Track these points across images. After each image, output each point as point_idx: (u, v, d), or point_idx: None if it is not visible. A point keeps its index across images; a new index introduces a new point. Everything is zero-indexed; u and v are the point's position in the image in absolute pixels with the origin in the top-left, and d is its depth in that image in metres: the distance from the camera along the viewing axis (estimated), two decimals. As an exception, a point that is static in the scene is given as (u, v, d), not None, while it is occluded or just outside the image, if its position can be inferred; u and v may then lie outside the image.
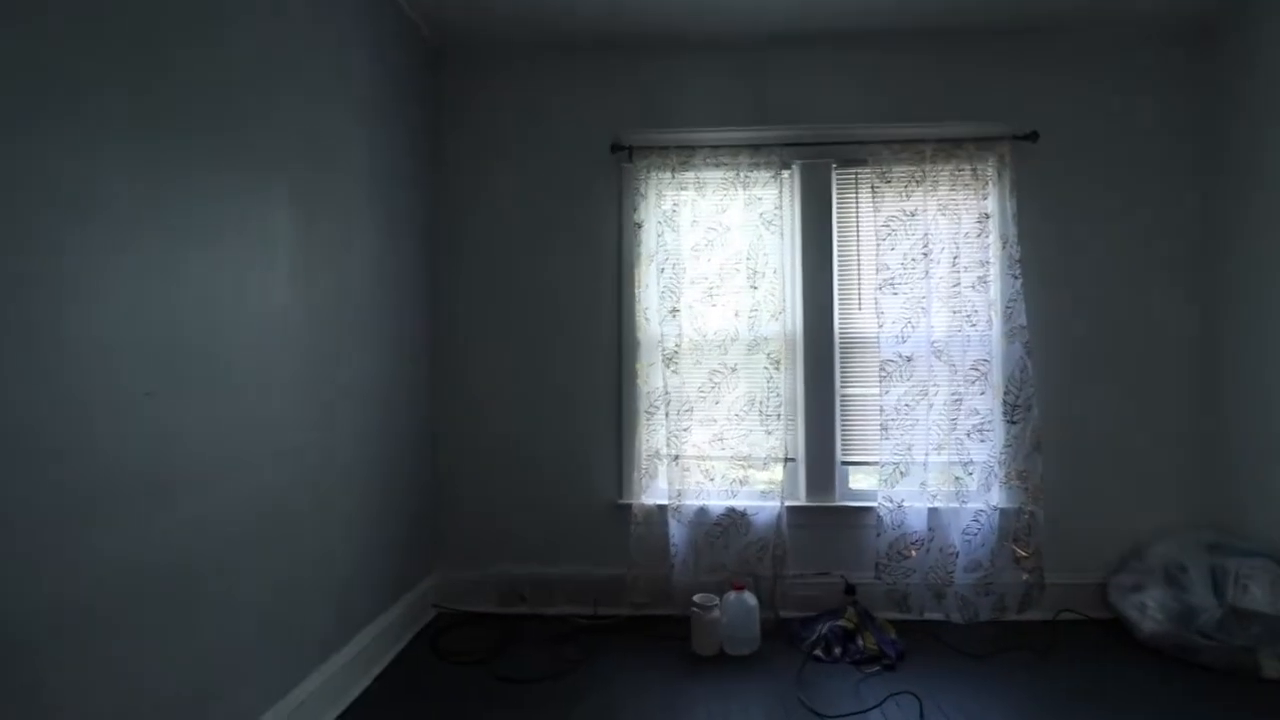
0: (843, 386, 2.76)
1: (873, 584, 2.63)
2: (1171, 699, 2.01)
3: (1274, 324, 2.42)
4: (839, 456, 2.76)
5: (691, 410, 2.67)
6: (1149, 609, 2.30)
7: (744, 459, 2.67)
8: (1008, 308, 2.58)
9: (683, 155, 2.69)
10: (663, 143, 2.72)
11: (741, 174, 2.68)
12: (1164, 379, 2.68)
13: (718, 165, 2.69)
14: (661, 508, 2.65)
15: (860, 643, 2.37)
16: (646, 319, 2.72)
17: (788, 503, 2.67)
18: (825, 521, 2.73)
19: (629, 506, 2.69)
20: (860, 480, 2.79)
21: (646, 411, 2.68)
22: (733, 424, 2.68)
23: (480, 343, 2.82)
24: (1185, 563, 2.31)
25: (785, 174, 2.74)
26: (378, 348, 2.31)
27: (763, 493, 2.67)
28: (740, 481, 2.67)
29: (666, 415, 2.64)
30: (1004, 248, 2.60)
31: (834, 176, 2.75)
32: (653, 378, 2.70)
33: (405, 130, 2.53)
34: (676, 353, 2.65)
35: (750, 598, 2.42)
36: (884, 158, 2.64)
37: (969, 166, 2.62)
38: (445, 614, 2.71)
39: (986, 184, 2.63)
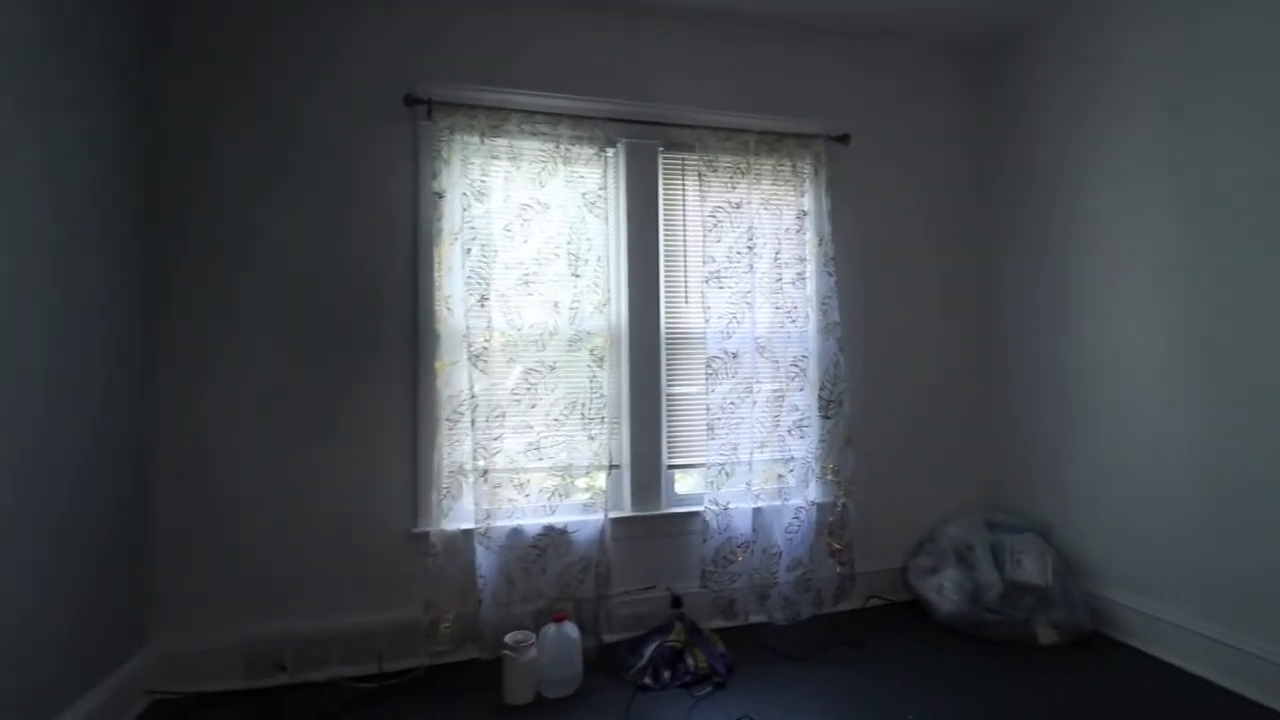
0: (669, 385, 2.59)
1: (699, 593, 2.49)
2: (973, 675, 2.12)
3: (1029, 328, 2.75)
4: (665, 460, 2.58)
5: (504, 416, 2.30)
6: (946, 590, 2.45)
7: (564, 469, 2.36)
8: (823, 304, 2.61)
9: (494, 118, 2.31)
10: (470, 101, 2.31)
11: (562, 147, 2.37)
12: (951, 377, 2.92)
13: (535, 134, 2.35)
14: (466, 533, 2.23)
15: (690, 662, 2.19)
16: (449, 309, 2.29)
17: (612, 514, 2.42)
18: (651, 531, 2.53)
19: (426, 535, 2.22)
20: (685, 484, 2.64)
21: (449, 419, 2.25)
22: (552, 430, 2.36)
23: (222, 340, 2.14)
24: (972, 542, 2.50)
25: (610, 152, 2.50)
26: (41, 355, 1.59)
27: (584, 506, 2.38)
28: (560, 494, 2.35)
29: (473, 423, 2.23)
30: (820, 245, 2.62)
31: (660, 160, 2.57)
32: (457, 379, 2.27)
33: (100, 65, 1.81)
34: (486, 349, 2.26)
35: (571, 629, 2.11)
36: (710, 145, 2.52)
37: (789, 162, 2.61)
38: (166, 700, 2.00)
39: (805, 181, 2.64)
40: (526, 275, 2.35)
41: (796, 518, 2.56)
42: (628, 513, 2.51)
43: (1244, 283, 1.97)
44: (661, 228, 2.57)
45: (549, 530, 2.31)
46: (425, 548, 2.21)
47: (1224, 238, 2.02)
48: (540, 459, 2.34)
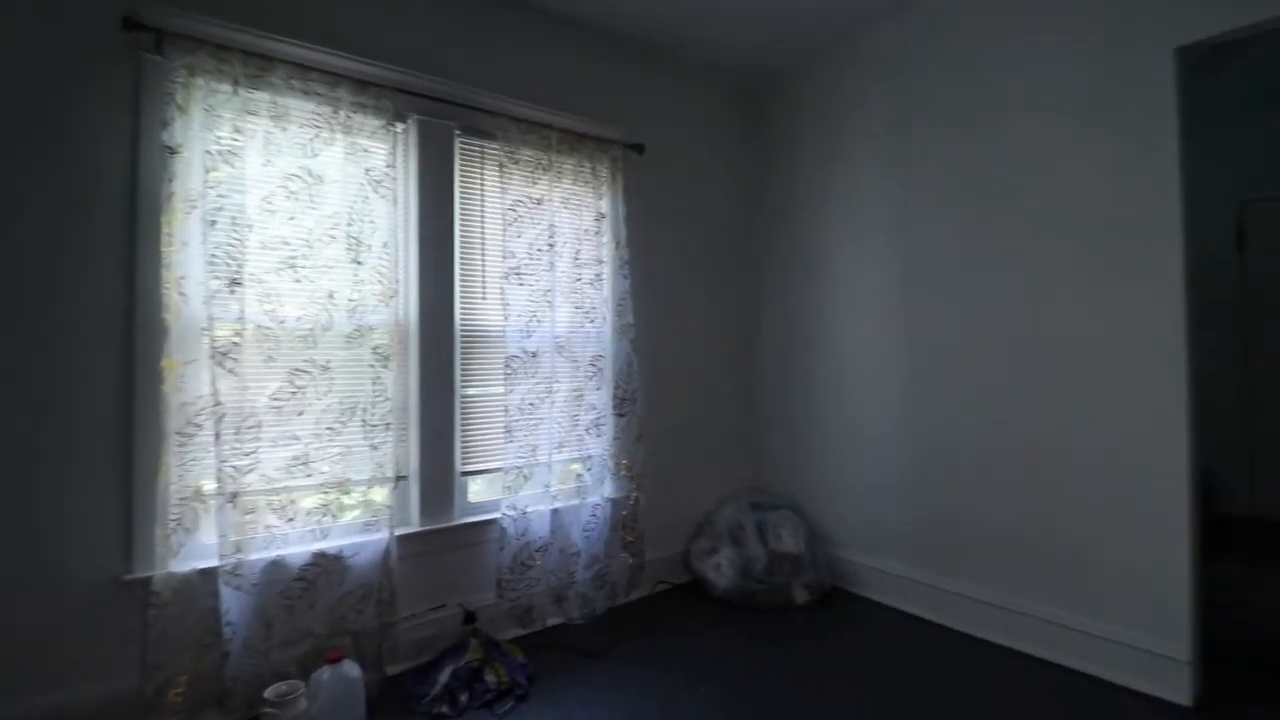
0: (464, 386, 2.42)
1: (495, 604, 2.38)
2: (744, 643, 2.37)
3: (784, 333, 3.19)
4: (459, 467, 2.41)
5: (259, 426, 1.91)
6: (723, 567, 2.71)
7: (339, 484, 2.06)
8: (619, 305, 2.69)
9: (254, 66, 1.91)
10: (219, 39, 1.86)
11: (342, 113, 2.06)
12: (724, 376, 3.25)
13: (307, 94, 2.00)
14: (206, 573, 1.80)
15: (489, 679, 2.07)
16: (183, 294, 1.82)
17: (398, 531, 2.18)
18: (442, 545, 2.34)
19: (147, 580, 1.74)
20: (481, 491, 2.50)
21: (181, 433, 1.79)
22: (324, 440, 2.04)
23: None
24: (742, 522, 2.81)
25: (400, 128, 2.25)
26: None
27: (364, 525, 2.11)
28: (333, 514, 2.04)
29: (218, 435, 1.81)
30: (617, 248, 2.70)
31: (457, 144, 2.39)
32: (194, 382, 1.82)
33: None
34: (237, 345, 1.86)
35: (351, 668, 1.85)
36: (512, 135, 2.42)
37: (589, 164, 2.64)
38: None
39: (603, 184, 2.69)
40: (293, 258, 1.99)
41: (594, 515, 2.60)
42: (415, 528, 2.28)
43: (938, 307, 2.54)
44: (458, 217, 2.40)
45: (319, 558, 1.99)
46: (146, 597, 1.73)
47: (918, 261, 2.59)
48: (309, 475, 2.01)
